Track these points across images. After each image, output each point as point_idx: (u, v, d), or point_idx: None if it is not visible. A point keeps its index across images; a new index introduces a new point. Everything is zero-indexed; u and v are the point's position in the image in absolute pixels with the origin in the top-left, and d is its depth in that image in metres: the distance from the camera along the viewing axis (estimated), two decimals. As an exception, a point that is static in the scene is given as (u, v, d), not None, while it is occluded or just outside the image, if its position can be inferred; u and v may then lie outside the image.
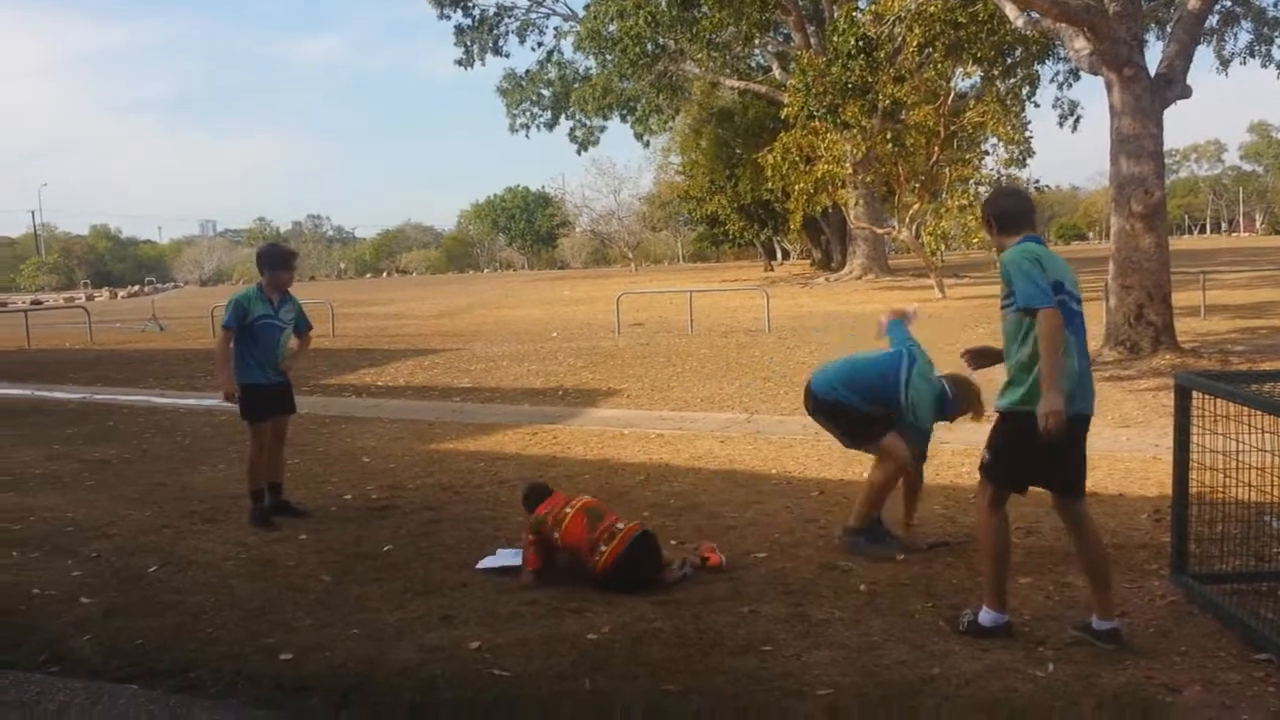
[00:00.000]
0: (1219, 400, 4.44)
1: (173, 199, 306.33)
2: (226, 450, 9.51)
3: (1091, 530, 4.27)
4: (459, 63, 40.95)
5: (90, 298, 69.21)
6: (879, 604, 4.75)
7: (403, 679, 4.08)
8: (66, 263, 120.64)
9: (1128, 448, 8.02)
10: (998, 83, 26.20)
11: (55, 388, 14.66)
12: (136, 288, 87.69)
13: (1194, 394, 4.58)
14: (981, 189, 26.72)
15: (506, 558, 5.62)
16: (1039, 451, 4.03)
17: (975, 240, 27.33)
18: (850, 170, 28.53)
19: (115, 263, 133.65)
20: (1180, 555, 4.73)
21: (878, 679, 3.89)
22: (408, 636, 4.53)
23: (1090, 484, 6.67)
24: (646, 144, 49.51)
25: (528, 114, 45.05)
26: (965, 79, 26.78)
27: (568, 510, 5.31)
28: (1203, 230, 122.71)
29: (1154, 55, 14.25)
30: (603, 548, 5.08)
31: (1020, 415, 4.07)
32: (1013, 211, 4.41)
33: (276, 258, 6.90)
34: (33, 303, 53.91)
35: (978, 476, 4.42)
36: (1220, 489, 4.55)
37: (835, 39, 19.40)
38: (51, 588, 5.39)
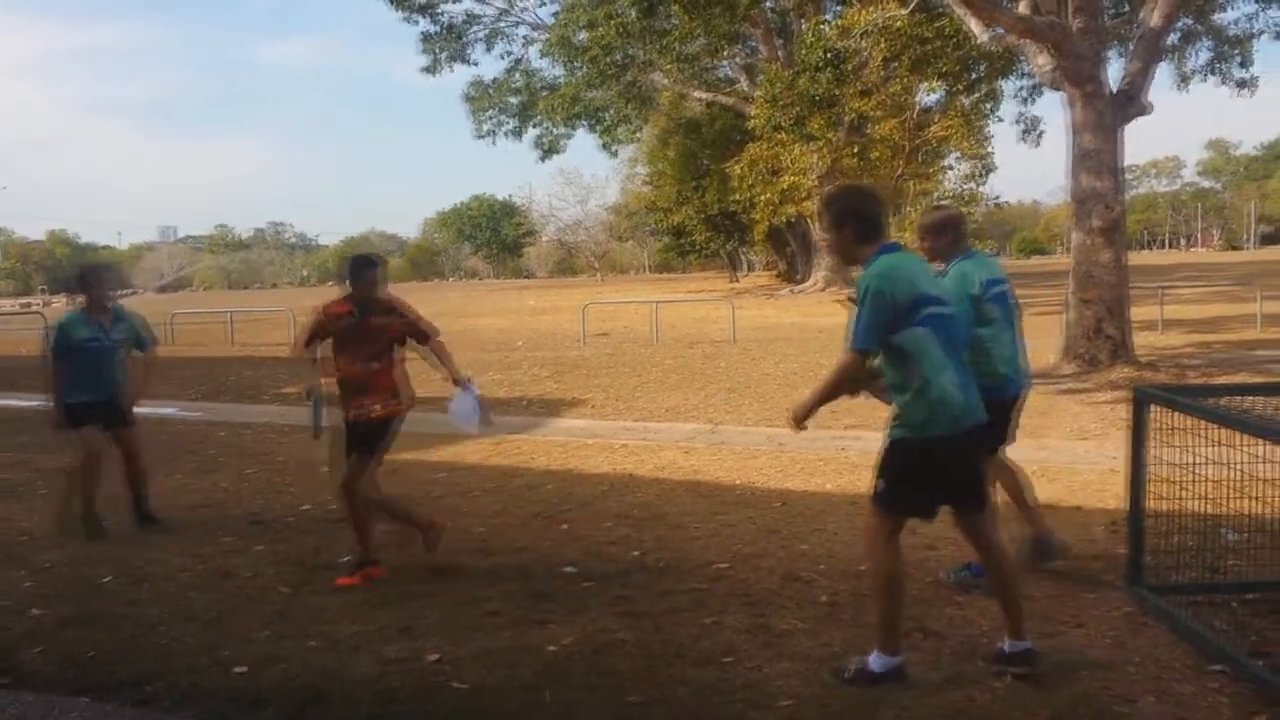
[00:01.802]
0: (1175, 413, 4.49)
1: (133, 204, 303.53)
2: (183, 460, 9.39)
3: (999, 546, 4.09)
4: (426, 70, 40.75)
5: (47, 303, 68.17)
6: (840, 615, 4.76)
7: (361, 691, 4.04)
8: (23, 268, 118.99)
9: (1085, 460, 8.11)
10: (962, 98, 26.48)
11: (8, 395, 14.42)
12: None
13: (1151, 407, 4.64)
14: (945, 202, 26.97)
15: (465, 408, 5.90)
16: (942, 472, 3.90)
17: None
18: (815, 182, 28.72)
19: (73, 268, 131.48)
20: (1135, 567, 4.78)
21: (839, 690, 3.90)
22: (366, 648, 4.48)
23: (1047, 496, 6.78)
24: (614, 154, 49.61)
25: (494, 121, 44.93)
26: (930, 94, 27.05)
27: None
28: (1161, 246, 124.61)
29: (1115, 72, 14.53)
30: None
31: (910, 442, 3.89)
32: (870, 213, 4.07)
33: (92, 278, 6.81)
34: (-13, 308, 53.01)
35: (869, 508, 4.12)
36: (1176, 501, 4.60)
37: (802, 52, 19.55)
38: (3, 598, 5.30)
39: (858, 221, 4.01)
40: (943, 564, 5.45)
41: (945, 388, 3.83)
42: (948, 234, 5.22)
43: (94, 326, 6.63)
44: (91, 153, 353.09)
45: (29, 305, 61.34)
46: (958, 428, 3.86)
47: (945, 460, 3.89)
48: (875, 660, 3.96)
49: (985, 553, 4.09)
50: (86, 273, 6.91)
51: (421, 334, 5.92)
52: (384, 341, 5.79)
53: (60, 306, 65.02)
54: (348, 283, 5.80)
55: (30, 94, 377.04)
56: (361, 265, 5.83)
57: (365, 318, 5.72)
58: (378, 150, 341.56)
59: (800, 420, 4.06)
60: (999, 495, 5.18)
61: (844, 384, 3.95)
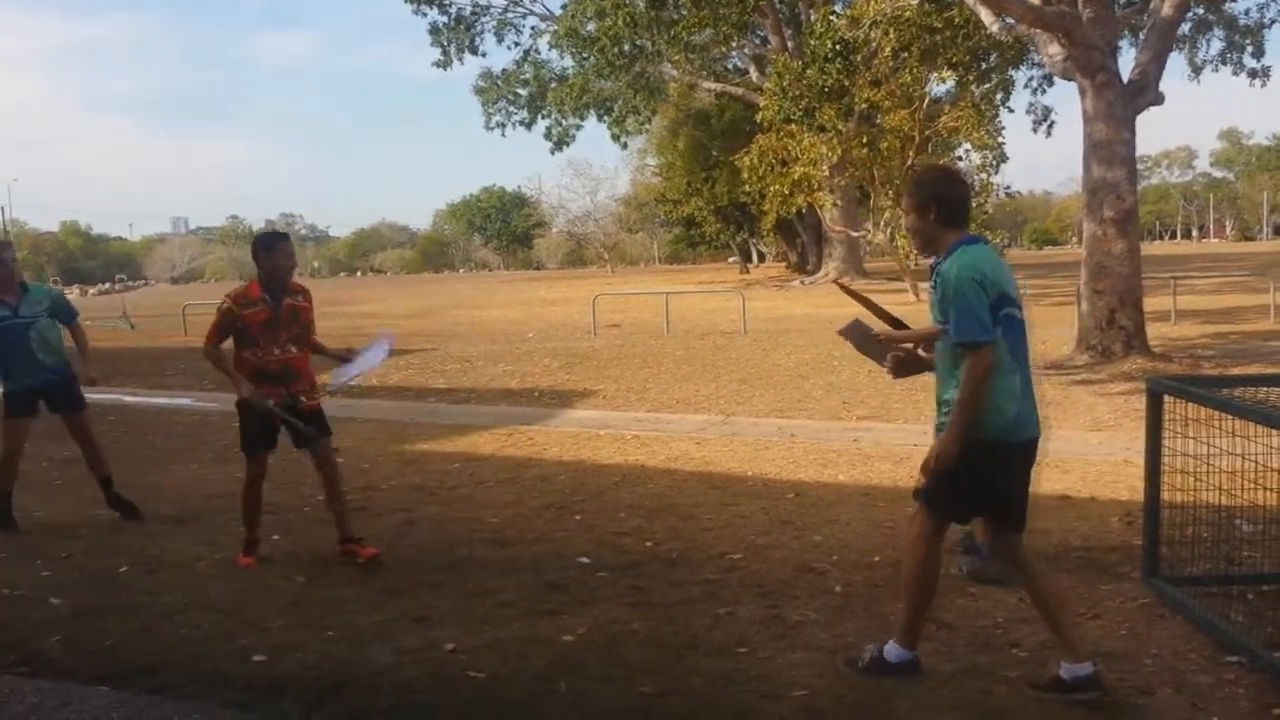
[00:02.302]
0: (1190, 404, 4.48)
1: (145, 196, 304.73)
2: (198, 450, 9.43)
3: (1034, 565, 3.91)
4: (437, 64, 40.76)
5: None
6: (854, 606, 4.76)
7: (378, 680, 4.06)
8: (37, 259, 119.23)
9: (1099, 451, 8.09)
10: (972, 88, 26.36)
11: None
12: (107, 285, 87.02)
13: (1165, 398, 4.62)
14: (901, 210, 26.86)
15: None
16: (985, 481, 3.72)
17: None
18: (826, 173, 28.64)
19: (86, 260, 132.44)
20: (1152, 558, 4.77)
21: (853, 681, 3.90)
22: (382, 638, 4.50)
23: (1062, 487, 6.79)
24: (624, 145, 49.49)
25: (504, 113, 44.91)
26: (940, 84, 26.92)
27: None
28: (1174, 236, 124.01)
29: (1127, 62, 14.45)
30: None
31: (969, 444, 3.66)
32: (959, 199, 3.88)
33: None
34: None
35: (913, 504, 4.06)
36: (1191, 492, 4.59)
37: (812, 42, 19.50)
38: (20, 588, 5.33)
39: (946, 206, 3.80)
40: (955, 555, 5.45)
41: (1002, 392, 3.65)
42: None
43: (2, 307, 6.41)
44: (102, 146, 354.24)
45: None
46: (1010, 436, 3.69)
47: (990, 468, 3.70)
48: (892, 650, 3.91)
49: (1021, 572, 3.89)
50: None
51: (313, 326, 5.96)
52: (301, 325, 5.77)
53: (73, 297, 65.33)
54: (261, 260, 5.60)
55: (39, 88, 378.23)
56: (273, 238, 5.74)
57: (280, 301, 5.63)
58: (388, 142, 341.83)
59: (952, 456, 3.65)
60: None
61: (985, 387, 3.60)
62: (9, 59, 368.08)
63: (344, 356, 5.99)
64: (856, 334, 5.09)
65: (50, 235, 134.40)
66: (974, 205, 24.79)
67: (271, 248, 5.60)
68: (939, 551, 3.94)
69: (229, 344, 5.70)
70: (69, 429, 6.82)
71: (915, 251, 6.00)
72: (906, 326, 5.40)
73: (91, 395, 7.13)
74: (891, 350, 5.11)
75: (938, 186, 3.87)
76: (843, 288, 5.60)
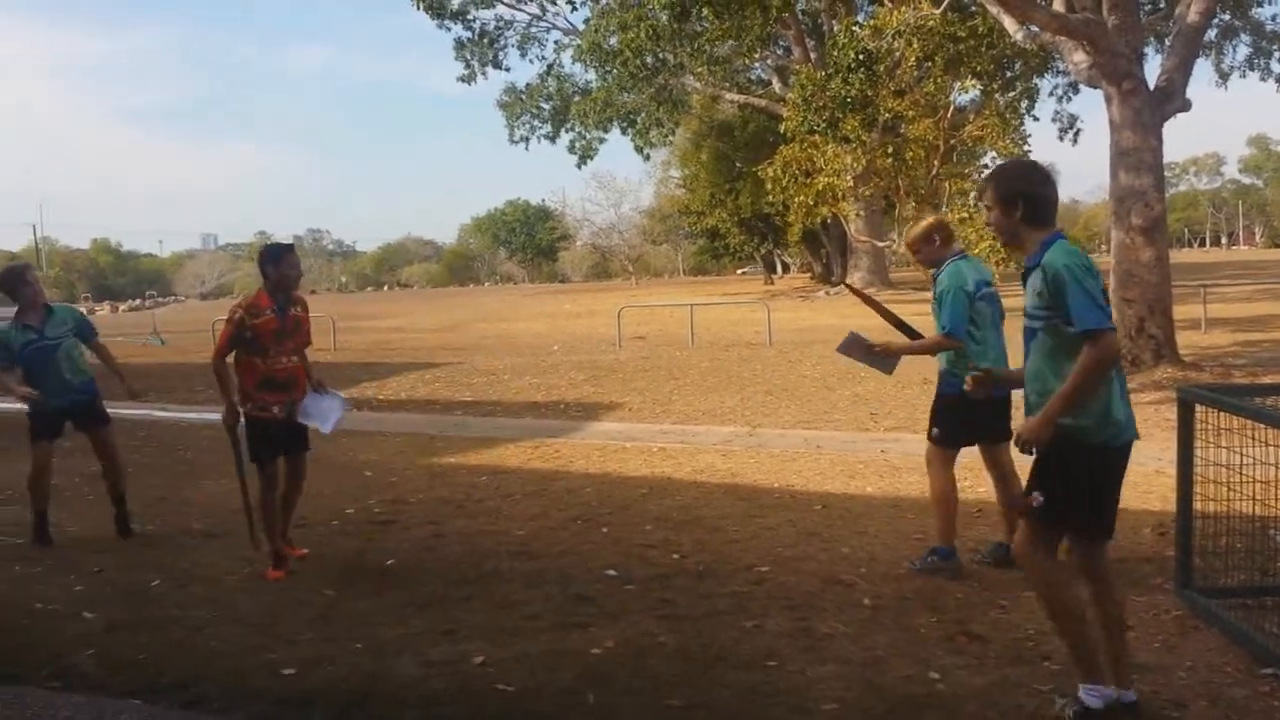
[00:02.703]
0: (1222, 414, 4.44)
1: (174, 213, 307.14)
2: (228, 464, 9.47)
3: (1114, 580, 3.79)
4: (461, 79, 41.06)
5: (91, 311, 69.16)
6: (883, 618, 4.74)
7: (406, 693, 4.07)
8: (68, 276, 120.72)
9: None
10: (997, 96, 26.24)
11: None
12: (138, 301, 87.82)
13: (1197, 407, 4.58)
14: (982, 204, 26.73)
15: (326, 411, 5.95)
16: (1097, 488, 3.62)
17: (975, 252, 27.33)
18: (850, 183, 28.57)
19: (116, 276, 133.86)
20: (1185, 569, 4.72)
21: (882, 693, 3.88)
22: (410, 651, 4.52)
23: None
24: (647, 157, 49.58)
25: (527, 126, 45.15)
26: (964, 93, 26.83)
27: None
28: (1202, 244, 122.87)
29: (1153, 68, 14.36)
30: None
31: (1083, 449, 3.57)
32: (1046, 196, 3.71)
33: (6, 280, 6.51)
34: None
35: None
36: (1224, 503, 4.54)
37: (835, 53, 19.44)
38: (53, 602, 5.38)
39: (1032, 203, 3.66)
40: (985, 567, 5.42)
41: (1116, 393, 3.56)
42: (934, 240, 5.51)
43: (28, 330, 6.47)
44: (132, 164, 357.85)
45: (73, 314, 62.20)
46: (1120, 440, 3.61)
47: (1103, 474, 3.62)
48: (1088, 694, 3.58)
49: (1098, 585, 3.72)
50: (5, 275, 6.59)
51: (309, 337, 6.12)
52: (302, 334, 5.98)
53: (104, 314, 66.07)
54: (269, 270, 5.78)
55: (69, 105, 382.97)
56: (280, 249, 5.88)
57: (286, 311, 5.81)
58: (414, 156, 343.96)
59: (1046, 440, 3.54)
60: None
61: (1101, 380, 3.48)
62: (39, 75, 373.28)
63: (316, 387, 6.07)
64: (855, 348, 5.19)
65: (81, 252, 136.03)
66: (945, 219, 24.79)
67: (279, 258, 5.78)
68: (1064, 568, 3.76)
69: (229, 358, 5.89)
70: (94, 444, 6.86)
71: (926, 266, 5.95)
72: (918, 334, 5.50)
73: (123, 411, 7.22)
74: (893, 359, 5.26)
75: (1024, 183, 3.72)
76: (853, 290, 5.74)
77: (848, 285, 6.86)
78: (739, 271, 71.18)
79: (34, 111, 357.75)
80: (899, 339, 5.60)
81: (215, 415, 7.00)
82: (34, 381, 6.46)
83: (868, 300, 5.83)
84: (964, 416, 5.29)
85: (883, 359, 5.46)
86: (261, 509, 5.93)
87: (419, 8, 35.50)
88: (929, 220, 5.67)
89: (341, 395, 6.22)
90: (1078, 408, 3.49)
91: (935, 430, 5.50)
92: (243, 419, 5.84)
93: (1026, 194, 3.67)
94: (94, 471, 9.12)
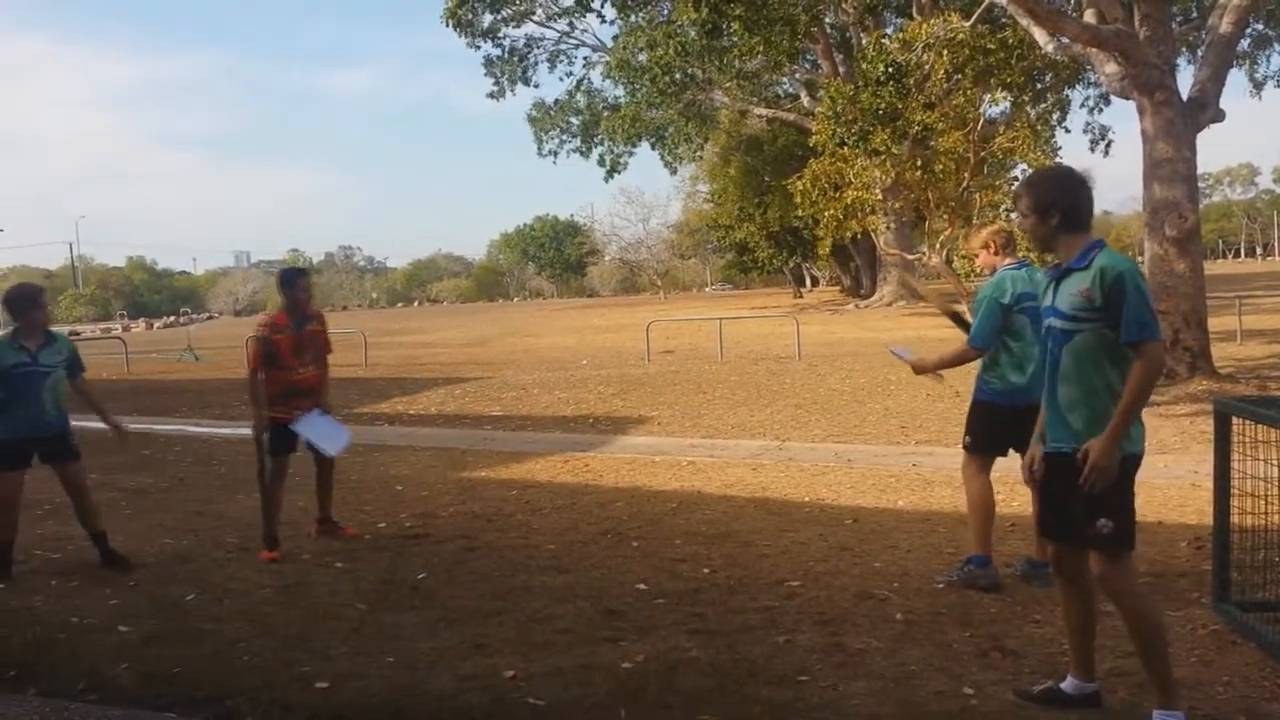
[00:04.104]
0: (1259, 426, 4.39)
1: (207, 230, 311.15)
2: (261, 479, 9.57)
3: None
4: (491, 96, 41.42)
5: (126, 329, 70.06)
6: (916, 633, 4.70)
7: (439, 707, 4.08)
8: (103, 294, 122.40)
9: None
10: (1028, 108, 26.11)
11: (93, 417, 14.74)
12: (172, 318, 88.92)
13: (1233, 420, 4.53)
14: (1012, 215, 26.55)
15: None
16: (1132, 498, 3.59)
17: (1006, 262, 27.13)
18: (880, 197, 28.47)
19: (151, 294, 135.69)
20: (1222, 583, 4.67)
21: (915, 709, 3.85)
22: (442, 665, 4.53)
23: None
24: (674, 171, 49.82)
25: (557, 141, 45.44)
26: (995, 105, 26.70)
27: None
28: (1237, 255, 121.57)
29: (1186, 79, 14.23)
30: None
31: (1134, 460, 3.57)
32: (1082, 203, 3.68)
33: (21, 301, 6.33)
34: (70, 334, 54.58)
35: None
36: (1261, 515, 4.48)
37: (864, 66, 19.43)
38: (90, 616, 5.44)
39: (1067, 210, 3.62)
40: (1018, 581, 5.37)
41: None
42: (990, 246, 5.62)
43: (21, 352, 6.23)
44: (166, 182, 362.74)
45: (109, 330, 63.03)
46: (1139, 447, 3.61)
47: (1133, 484, 3.62)
48: (1164, 719, 3.53)
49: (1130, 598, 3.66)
50: (14, 296, 6.39)
51: (329, 345, 6.98)
52: (320, 346, 6.84)
53: (139, 331, 66.87)
54: (285, 292, 6.74)
55: (105, 125, 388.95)
56: (294, 275, 6.83)
57: (302, 328, 6.69)
58: (443, 173, 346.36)
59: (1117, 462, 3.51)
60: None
61: (1153, 386, 3.53)
62: (73, 98, 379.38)
63: (325, 409, 6.89)
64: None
65: (117, 270, 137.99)
66: (1004, 228, 24.55)
67: (293, 284, 6.73)
68: (1141, 587, 3.72)
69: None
70: (62, 481, 6.52)
71: (983, 270, 5.98)
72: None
73: (160, 427, 7.29)
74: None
75: (1059, 191, 3.68)
76: (908, 288, 5.93)
77: (903, 284, 6.99)
78: (711, 287, 71.01)
79: (72, 132, 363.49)
80: (933, 353, 5.64)
81: (248, 431, 7.10)
82: (12, 406, 6.21)
83: (923, 297, 6.01)
84: (995, 424, 5.33)
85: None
86: (264, 493, 6.71)
87: (449, 24, 35.77)
88: (991, 227, 5.77)
89: (348, 431, 7.11)
90: (1134, 422, 3.51)
91: (967, 437, 5.51)
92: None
93: (1062, 200, 3.64)
94: (132, 487, 9.27)
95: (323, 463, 6.96)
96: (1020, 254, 5.70)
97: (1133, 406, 3.46)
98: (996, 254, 5.54)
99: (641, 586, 5.60)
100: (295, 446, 6.75)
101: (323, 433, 6.73)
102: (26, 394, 6.26)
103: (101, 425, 6.74)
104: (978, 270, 6.04)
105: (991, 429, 5.37)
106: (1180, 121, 12.83)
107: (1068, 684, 3.83)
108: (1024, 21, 14.55)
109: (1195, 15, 22.07)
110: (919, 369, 5.71)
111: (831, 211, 27.70)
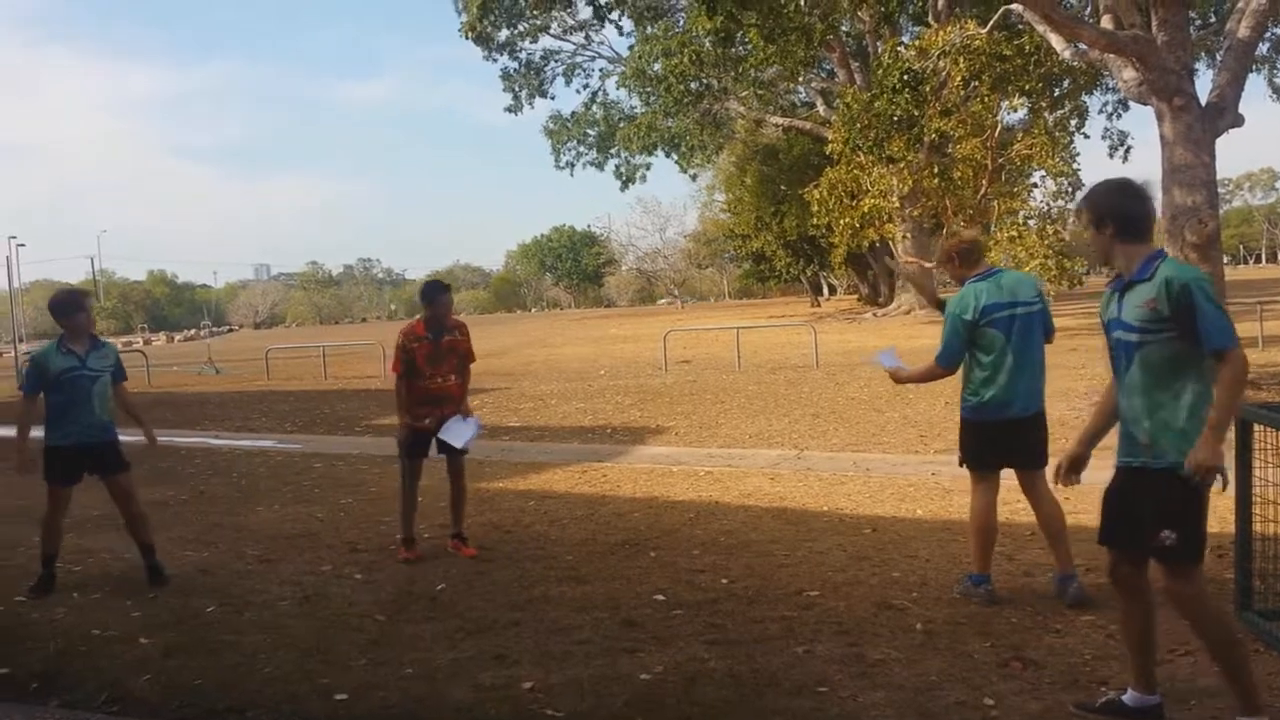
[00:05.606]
0: (1281, 433, 4.36)
1: (227, 244, 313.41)
2: (282, 491, 9.62)
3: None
4: (509, 109, 41.63)
5: (148, 342, 70.58)
6: (936, 643, 4.68)
7: (457, 718, 4.09)
8: (124, 308, 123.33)
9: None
10: (1045, 115, 26.02)
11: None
12: (192, 331, 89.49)
13: (1255, 427, 4.50)
14: (1031, 222, 26.46)
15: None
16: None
17: (1027, 270, 27.04)
18: (897, 204, 28.42)
19: (172, 307, 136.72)
20: (1244, 592, 4.63)
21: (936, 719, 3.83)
22: (462, 676, 4.54)
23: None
24: (693, 177, 49.94)
25: (574, 152, 45.60)
26: (1012, 111, 26.63)
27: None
28: (1258, 260, 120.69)
29: (1204, 84, 14.22)
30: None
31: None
32: (1136, 213, 3.68)
33: (66, 305, 6.31)
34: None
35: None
36: (1284, 524, 4.45)
37: (880, 73, 19.43)
38: (111, 628, 5.47)
39: (1121, 222, 3.64)
40: (1039, 592, 5.34)
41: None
42: (953, 260, 5.52)
43: (70, 356, 6.25)
44: (187, 195, 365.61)
45: (130, 344, 63.48)
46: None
47: None
48: None
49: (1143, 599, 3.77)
50: (59, 301, 6.37)
51: (470, 354, 7.11)
52: (458, 357, 6.98)
53: (160, 345, 67.32)
54: (425, 306, 6.90)
55: (128, 140, 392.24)
56: (434, 291, 6.95)
57: (440, 337, 6.85)
58: (461, 185, 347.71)
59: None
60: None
61: (1242, 391, 3.47)
62: (93, 112, 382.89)
63: (465, 413, 7.02)
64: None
65: (138, 284, 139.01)
66: (1051, 233, 24.32)
67: (433, 299, 6.88)
68: (1211, 597, 3.71)
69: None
70: (112, 492, 6.49)
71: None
72: None
73: (181, 439, 7.32)
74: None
75: (1111, 202, 3.69)
76: (912, 264, 5.94)
77: (905, 259, 6.99)
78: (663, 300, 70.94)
79: (93, 147, 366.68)
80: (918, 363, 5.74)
81: (268, 443, 7.16)
82: (64, 411, 6.25)
83: (940, 304, 5.98)
84: (974, 442, 5.34)
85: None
86: (401, 498, 6.96)
87: (468, 38, 35.95)
88: (950, 241, 5.72)
89: (479, 420, 7.18)
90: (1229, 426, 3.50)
91: (960, 453, 5.49)
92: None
93: (1115, 211, 3.66)
94: (153, 499, 9.30)
95: (455, 476, 7.03)
96: (988, 263, 5.58)
97: (1228, 411, 3.44)
98: (960, 267, 5.45)
99: (660, 597, 5.60)
100: (428, 452, 6.98)
101: (454, 432, 6.85)
102: (79, 399, 6.29)
103: (122, 437, 6.70)
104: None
105: (972, 447, 5.37)
106: (1199, 127, 12.75)
107: (1129, 696, 3.76)
108: (1041, 28, 14.51)
109: (1213, 20, 22.00)
110: (896, 380, 5.70)
111: (848, 219, 27.68)
